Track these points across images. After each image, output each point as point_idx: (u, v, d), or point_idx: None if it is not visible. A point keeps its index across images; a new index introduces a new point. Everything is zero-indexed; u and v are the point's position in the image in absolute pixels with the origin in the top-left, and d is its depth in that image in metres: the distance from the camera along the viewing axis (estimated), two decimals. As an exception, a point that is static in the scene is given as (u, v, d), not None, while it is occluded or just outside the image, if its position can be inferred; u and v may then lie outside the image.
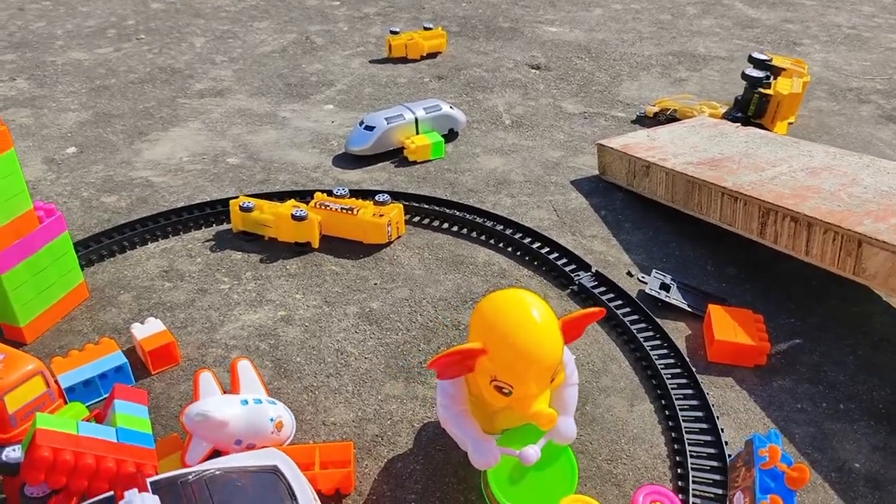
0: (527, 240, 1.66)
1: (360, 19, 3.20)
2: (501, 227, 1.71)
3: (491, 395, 0.95)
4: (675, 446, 1.17)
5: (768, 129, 2.18)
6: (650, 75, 2.64)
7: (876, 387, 1.30)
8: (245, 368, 1.17)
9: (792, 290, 1.53)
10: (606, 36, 3.01)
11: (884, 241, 1.25)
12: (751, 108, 2.20)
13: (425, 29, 2.79)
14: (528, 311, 0.92)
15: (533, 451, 0.96)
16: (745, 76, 2.20)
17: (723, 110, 2.23)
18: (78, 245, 1.59)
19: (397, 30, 2.77)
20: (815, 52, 2.87)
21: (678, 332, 1.42)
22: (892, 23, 3.17)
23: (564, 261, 1.60)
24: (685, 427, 1.19)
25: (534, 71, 2.67)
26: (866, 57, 2.82)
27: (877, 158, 1.63)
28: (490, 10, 3.28)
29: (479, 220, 1.73)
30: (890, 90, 2.52)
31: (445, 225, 1.75)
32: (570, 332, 0.96)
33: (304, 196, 1.78)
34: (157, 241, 1.68)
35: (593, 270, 1.56)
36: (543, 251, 1.62)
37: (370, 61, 2.76)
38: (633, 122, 2.29)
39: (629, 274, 1.56)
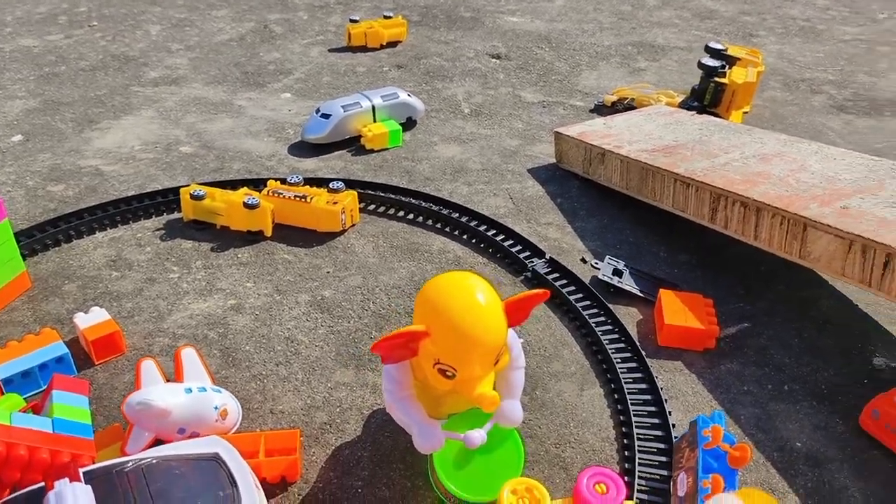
0: (482, 227, 1.65)
1: (321, 8, 3.16)
2: (457, 214, 1.70)
3: (435, 379, 0.94)
4: (624, 429, 1.18)
5: (724, 118, 2.20)
6: (609, 65, 2.65)
7: (820, 368, 1.32)
8: (189, 356, 1.15)
9: (742, 274, 1.54)
10: (567, 26, 3.01)
11: (827, 225, 1.27)
12: (707, 97, 2.21)
13: (385, 18, 2.76)
14: (471, 293, 0.91)
15: (477, 435, 0.96)
16: (701, 65, 2.22)
17: (680, 99, 2.25)
18: (21, 234, 1.55)
19: (357, 18, 2.74)
20: (771, 43, 2.91)
21: (630, 317, 1.43)
22: (845, 15, 3.22)
23: (519, 248, 1.60)
24: (633, 410, 1.20)
25: (494, 60, 2.66)
26: (819, 49, 2.86)
27: (825, 146, 1.66)
28: (453, 0, 3.27)
29: (434, 207, 1.72)
30: (841, 81, 2.57)
31: (401, 213, 1.74)
32: (515, 314, 0.95)
33: (258, 184, 1.76)
34: (106, 230, 1.64)
35: (547, 257, 1.56)
36: (498, 238, 1.62)
37: (329, 50, 2.73)
38: (592, 110, 2.30)
39: (583, 260, 1.57)
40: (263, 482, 1.05)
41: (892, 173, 1.46)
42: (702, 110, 2.22)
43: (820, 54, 2.81)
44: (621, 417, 1.20)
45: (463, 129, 2.16)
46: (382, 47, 2.73)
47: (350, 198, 1.66)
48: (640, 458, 1.11)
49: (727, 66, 2.24)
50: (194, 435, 1.06)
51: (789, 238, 1.34)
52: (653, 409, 1.21)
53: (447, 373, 0.92)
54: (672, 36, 2.95)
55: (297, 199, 1.64)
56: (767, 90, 2.48)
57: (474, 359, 0.90)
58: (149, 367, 1.09)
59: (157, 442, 1.04)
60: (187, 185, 1.70)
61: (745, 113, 2.30)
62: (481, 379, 0.92)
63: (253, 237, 1.63)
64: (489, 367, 0.93)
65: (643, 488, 1.07)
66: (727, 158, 1.61)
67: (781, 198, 1.38)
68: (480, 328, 0.89)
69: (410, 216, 1.73)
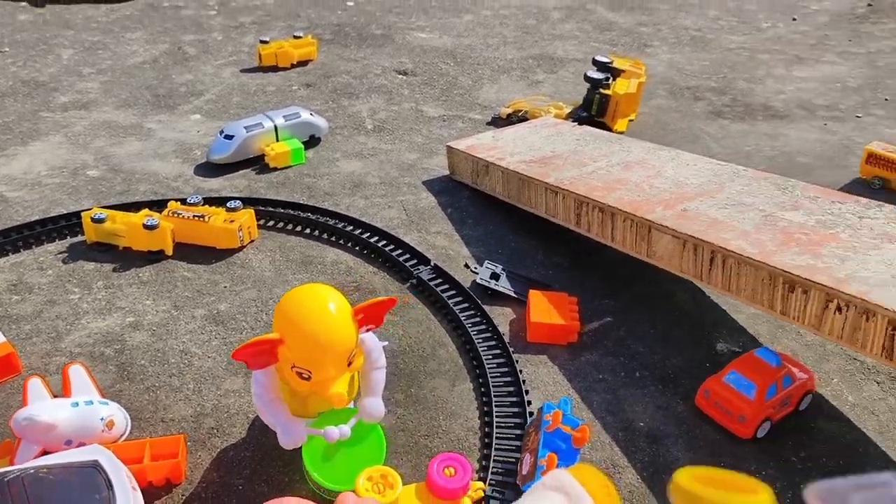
0: (373, 238, 1.77)
1: (235, 28, 3.24)
2: (351, 227, 1.81)
3: (294, 381, 1.05)
4: (487, 419, 1.30)
5: (610, 127, 2.36)
6: (510, 78, 2.80)
7: (670, 355, 1.46)
8: (77, 373, 1.23)
9: (608, 274, 1.69)
10: (473, 41, 3.15)
11: (667, 226, 1.41)
12: (593, 108, 2.37)
13: (295, 38, 2.86)
14: (319, 302, 1.02)
15: (335, 431, 1.07)
16: (587, 78, 2.38)
17: (568, 110, 2.40)
18: (-79, 263, 1.60)
19: (267, 39, 2.83)
20: (663, 52, 3.09)
21: (504, 316, 1.56)
22: (733, 24, 3.44)
23: (406, 257, 1.71)
24: (496, 402, 1.32)
25: (401, 76, 2.78)
26: (706, 57, 3.06)
27: (682, 153, 1.82)
28: (365, 18, 3.38)
29: (330, 221, 1.83)
30: (722, 88, 2.76)
31: (299, 228, 1.84)
32: (367, 319, 1.07)
33: (160, 206, 1.83)
34: (7, 255, 1.70)
35: (432, 264, 1.68)
36: (388, 248, 1.73)
37: (241, 70, 2.81)
38: (489, 123, 2.43)
39: (466, 266, 1.69)
40: (149, 486, 1.14)
41: (733, 177, 1.62)
42: (590, 120, 2.38)
43: (706, 62, 3.01)
44: (486, 409, 1.33)
45: (365, 145, 2.27)
46: (293, 66, 2.83)
47: (247, 215, 1.75)
48: (496, 444, 1.23)
49: (611, 78, 2.40)
50: (82, 445, 1.14)
51: (638, 239, 1.49)
52: (515, 399, 1.34)
53: (303, 375, 1.03)
54: (572, 48, 3.11)
55: (196, 218, 1.73)
56: (655, 98, 2.66)
57: (325, 361, 1.01)
58: (35, 385, 1.17)
59: (46, 453, 1.12)
60: (89, 209, 1.77)
61: (631, 121, 2.47)
62: (335, 379, 1.03)
63: (154, 256, 1.71)
64: (342, 369, 1.04)
65: (498, 471, 1.20)
66: (594, 167, 1.76)
67: (633, 203, 1.53)
68: (328, 333, 1.00)
69: (307, 230, 1.83)
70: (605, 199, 1.56)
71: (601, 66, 2.45)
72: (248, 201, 1.87)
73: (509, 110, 2.43)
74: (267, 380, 1.09)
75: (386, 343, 1.20)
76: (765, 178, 1.60)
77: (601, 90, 2.35)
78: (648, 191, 1.59)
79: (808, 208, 1.44)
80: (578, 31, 3.34)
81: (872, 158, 2.10)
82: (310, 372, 1.02)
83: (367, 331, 1.11)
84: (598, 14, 3.56)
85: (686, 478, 0.65)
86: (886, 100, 2.72)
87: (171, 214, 1.74)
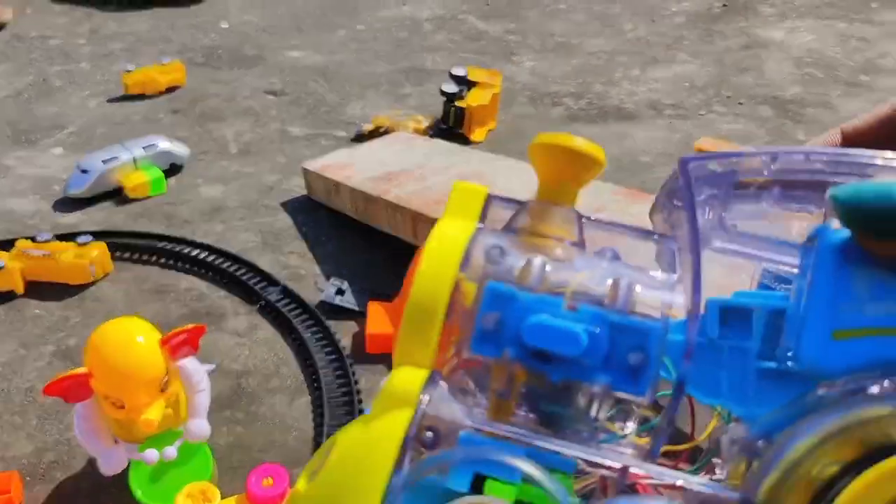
0: (225, 264, 1.83)
1: (104, 56, 3.23)
2: (205, 254, 1.87)
3: (111, 410, 1.11)
4: (322, 430, 1.39)
5: (468, 137, 2.48)
6: (377, 93, 2.89)
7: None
8: None
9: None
10: (345, 57, 3.23)
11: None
12: (450, 120, 2.49)
13: (162, 64, 2.88)
14: (123, 334, 1.09)
15: (154, 453, 1.14)
16: (442, 92, 2.49)
17: (427, 123, 2.51)
18: None
19: (131, 67, 2.84)
20: (528, 60, 3.25)
21: (348, 330, 1.65)
22: (597, 29, 3.63)
23: (257, 279, 1.78)
24: (330, 412, 1.41)
25: (270, 97, 2.84)
26: (569, 63, 3.23)
27: (519, 162, 1.94)
28: (238, 39, 3.42)
29: (185, 250, 1.88)
30: (580, 93, 2.93)
31: (154, 258, 1.88)
32: (177, 347, 1.14)
33: (7, 245, 1.85)
34: None
35: (281, 286, 1.75)
36: (238, 273, 1.80)
37: (108, 100, 2.81)
38: (353, 139, 2.52)
39: (315, 284, 1.77)
40: (-19, 524, 1.18)
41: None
42: (450, 132, 2.49)
43: (568, 68, 3.18)
44: (321, 419, 1.41)
45: (228, 169, 2.32)
46: (161, 94, 2.84)
47: (98, 250, 1.79)
48: (326, 452, 1.32)
49: (465, 91, 2.52)
50: (-90, 492, 1.18)
51: (463, 248, 1.60)
52: (349, 408, 1.43)
53: (117, 405, 1.09)
54: (441, 60, 3.23)
55: (46, 256, 1.76)
56: (516, 106, 2.80)
57: (134, 390, 1.08)
58: None
59: None
60: (-65, 254, 1.77)
61: (491, 130, 2.59)
62: (149, 405, 1.10)
63: (5, 296, 1.73)
64: (154, 396, 1.11)
65: (326, 476, 1.28)
66: (434, 181, 1.86)
67: (459, 214, 1.64)
68: (131, 364, 1.07)
69: (163, 260, 1.88)
70: (437, 213, 1.66)
71: (456, 79, 2.57)
72: (100, 235, 1.90)
73: (371, 126, 2.52)
74: (86, 411, 1.15)
75: (211, 367, 1.27)
76: (580, 183, 1.74)
77: (456, 103, 2.47)
78: (476, 201, 1.70)
79: (611, 210, 1.59)
80: (449, 42, 3.46)
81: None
82: (122, 401, 1.08)
83: (186, 356, 1.18)
84: (470, 24, 3.69)
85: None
86: (728, 97, 2.94)
87: (20, 254, 1.76)
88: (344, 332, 1.63)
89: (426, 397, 0.30)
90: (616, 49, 3.46)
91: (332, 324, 1.64)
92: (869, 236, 0.29)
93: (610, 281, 0.31)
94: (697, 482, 0.30)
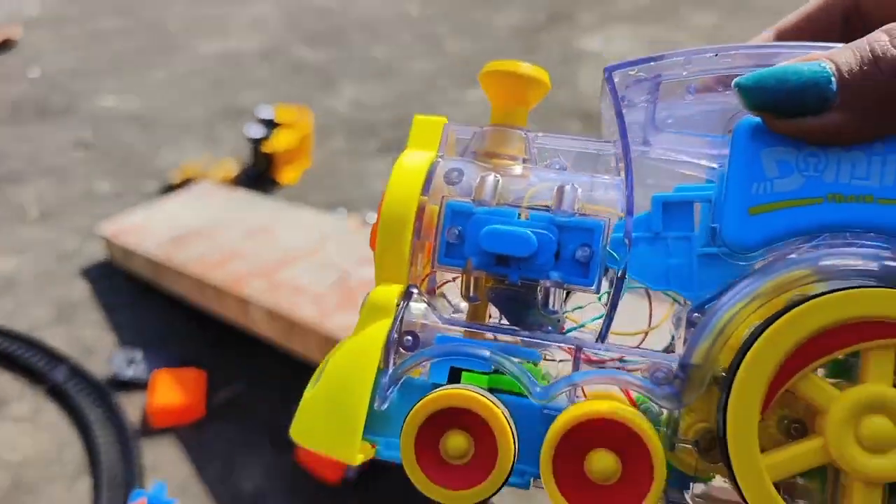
0: (11, 347, 1.79)
1: None
2: (-9, 337, 1.82)
3: None
4: (101, 514, 1.40)
5: (278, 180, 2.51)
6: (191, 138, 2.87)
7: (292, 415, 1.63)
8: None
9: (247, 343, 1.81)
10: (161, 102, 3.19)
11: (259, 300, 1.58)
12: (259, 165, 2.51)
13: (-44, 126, 2.75)
14: None
15: None
16: (246, 137, 2.51)
17: (236, 170, 2.52)
18: None
19: (-79, 133, 2.70)
20: (349, 89, 3.30)
21: (138, 402, 1.66)
22: (422, 51, 3.72)
23: (44, 360, 1.76)
24: (110, 495, 1.42)
25: (77, 153, 2.77)
26: (391, 89, 3.31)
27: (303, 211, 2.00)
28: (48, 88, 3.30)
29: (-31, 335, 1.82)
30: (397, 122, 3.01)
31: (-65, 347, 1.82)
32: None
33: None
34: None
35: (68, 364, 1.74)
36: (25, 355, 1.77)
37: None
38: (162, 192, 2.50)
39: (110, 357, 1.76)
40: None
41: (335, 232, 1.82)
42: (259, 176, 2.52)
43: (389, 95, 3.26)
44: (100, 502, 1.42)
45: (24, 238, 2.26)
46: (-42, 157, 2.72)
47: None
48: (100, 540, 1.34)
49: (271, 134, 2.55)
50: None
51: (241, 312, 1.64)
52: (129, 488, 1.44)
53: None
54: (260, 96, 3.23)
55: None
56: (333, 141, 2.85)
57: None
58: None
59: None
60: None
61: (306, 170, 2.63)
62: None
63: None
64: None
65: (98, 566, 1.30)
66: (222, 240, 1.89)
67: (238, 279, 1.68)
68: None
69: (-55, 348, 1.81)
70: (212, 278, 1.70)
71: (263, 122, 2.59)
72: None
73: (180, 178, 2.51)
74: None
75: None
76: (356, 230, 1.82)
77: (261, 148, 2.49)
78: (255, 260, 1.75)
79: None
80: (271, 76, 3.47)
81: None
82: None
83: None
84: (294, 53, 3.71)
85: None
86: (543, 114, 3.09)
87: None
88: (134, 406, 1.64)
89: (402, 306, 0.35)
90: (439, 70, 3.56)
91: (122, 397, 1.64)
92: (772, 117, 0.32)
93: (555, 188, 0.35)
94: (639, 353, 0.34)
